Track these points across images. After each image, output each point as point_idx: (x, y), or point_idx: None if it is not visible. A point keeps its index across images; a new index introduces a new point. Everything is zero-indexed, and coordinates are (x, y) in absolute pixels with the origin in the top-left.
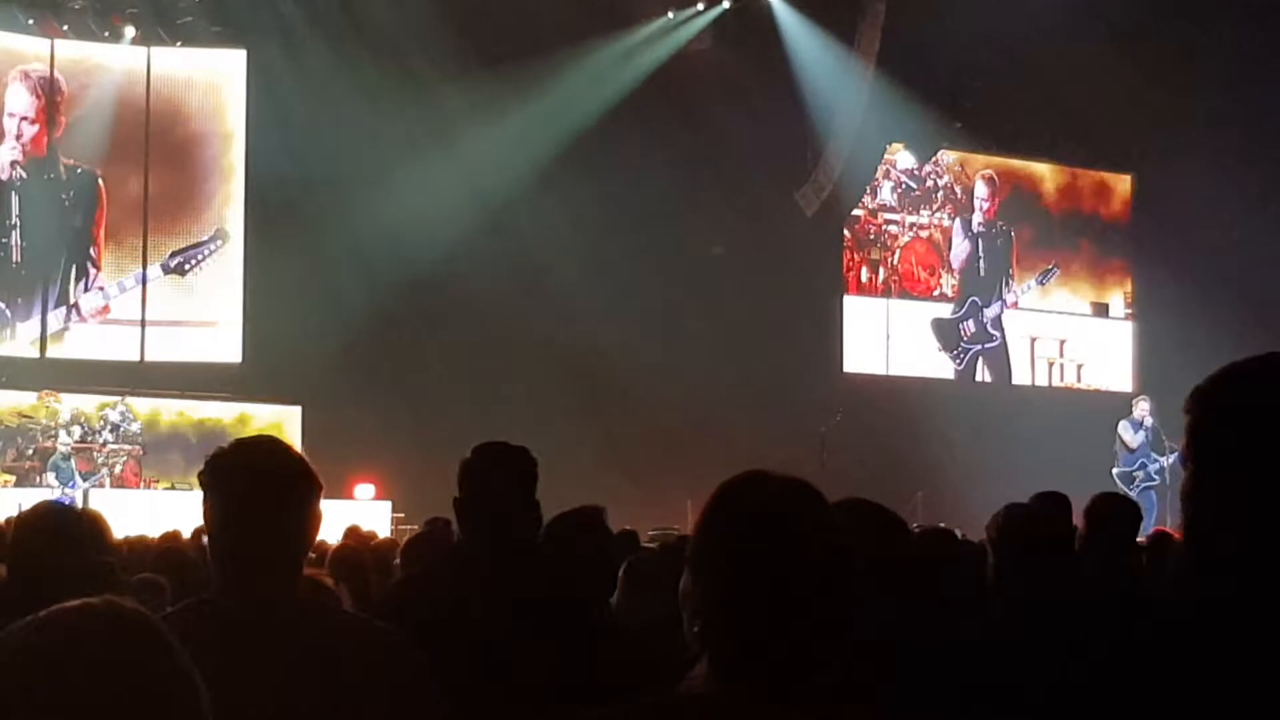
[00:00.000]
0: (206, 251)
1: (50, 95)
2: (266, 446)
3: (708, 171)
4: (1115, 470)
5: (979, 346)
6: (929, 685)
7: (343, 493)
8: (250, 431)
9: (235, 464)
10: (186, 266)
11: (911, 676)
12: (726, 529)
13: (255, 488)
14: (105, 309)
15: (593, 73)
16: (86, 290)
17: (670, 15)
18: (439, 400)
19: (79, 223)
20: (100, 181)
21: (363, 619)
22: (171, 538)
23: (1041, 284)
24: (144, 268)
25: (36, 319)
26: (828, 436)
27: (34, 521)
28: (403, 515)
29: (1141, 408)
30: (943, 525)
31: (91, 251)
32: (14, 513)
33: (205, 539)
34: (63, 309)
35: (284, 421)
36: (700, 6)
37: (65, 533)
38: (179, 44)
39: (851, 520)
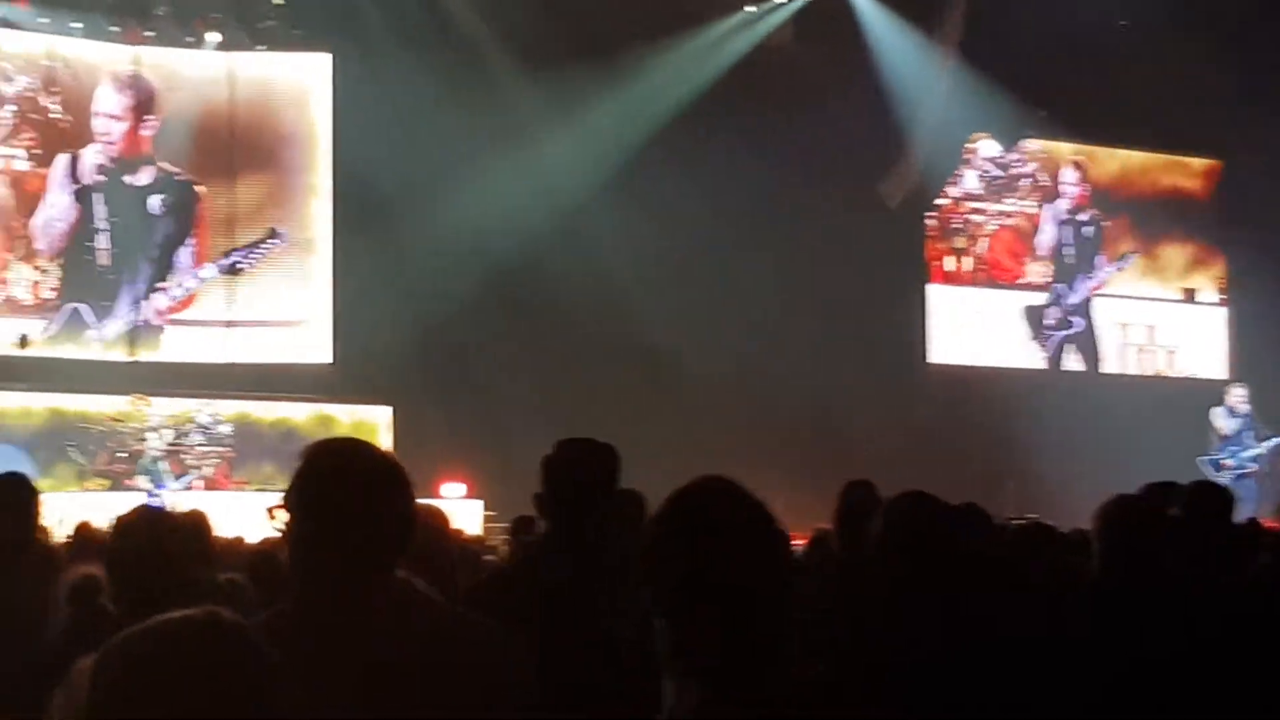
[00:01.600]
0: (262, 251)
1: (139, 97)
2: (352, 447)
3: (789, 165)
4: (1204, 458)
5: (1063, 333)
6: (1022, 679)
7: (433, 492)
8: (341, 432)
9: (321, 464)
10: (240, 265)
11: (1003, 670)
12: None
13: (342, 488)
14: (171, 309)
15: (672, 69)
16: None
17: (750, 9)
18: (528, 399)
19: (171, 228)
20: (198, 188)
21: (460, 613)
22: (271, 542)
23: (1120, 269)
24: (232, 289)
25: (118, 320)
26: (914, 428)
27: (134, 528)
28: (494, 514)
29: (1236, 394)
30: (1034, 516)
31: (190, 256)
32: (111, 517)
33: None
34: (139, 309)
35: (374, 422)
36: (779, 0)
37: (164, 543)
38: (262, 48)
39: (923, 513)
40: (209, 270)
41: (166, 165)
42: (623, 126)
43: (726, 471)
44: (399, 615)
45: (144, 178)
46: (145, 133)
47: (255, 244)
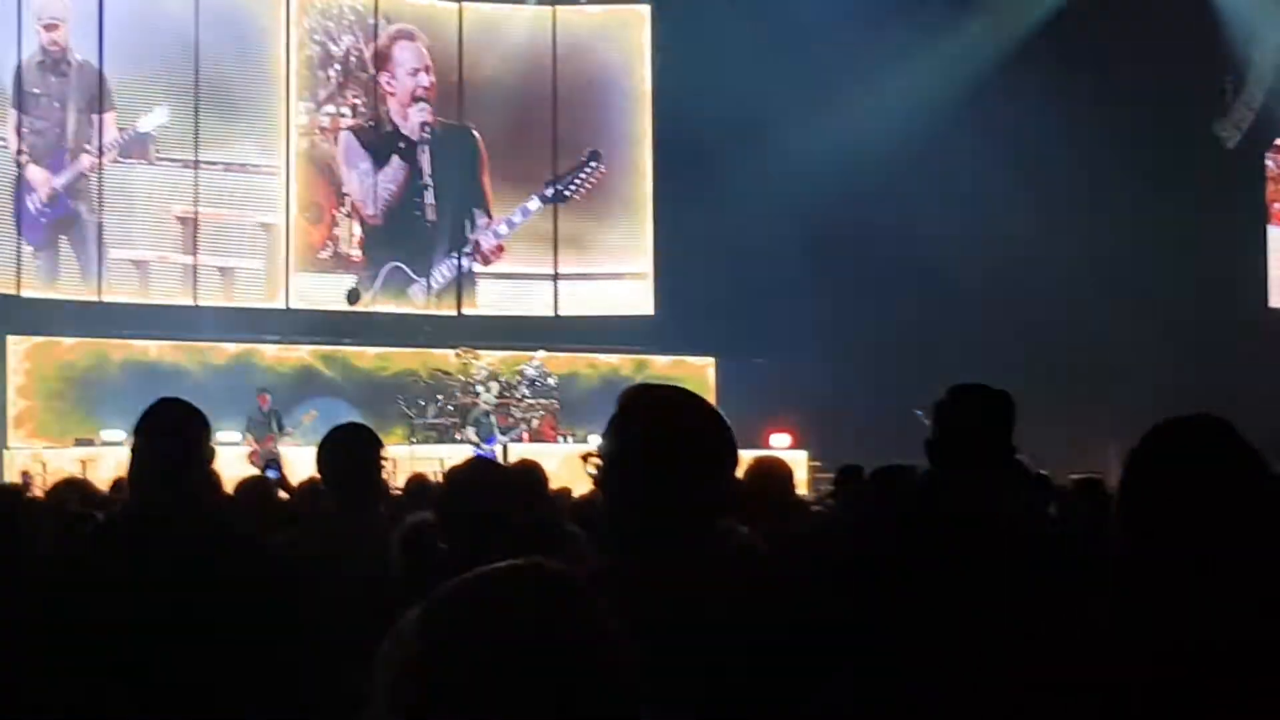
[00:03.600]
0: (583, 174)
1: (445, 55)
2: (670, 394)
3: (1123, 105)
4: None
5: None
6: None
7: (759, 442)
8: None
9: (637, 410)
10: (566, 192)
11: None
12: None
13: (658, 433)
14: (499, 248)
15: (1007, 7)
16: (476, 234)
17: None
18: (851, 348)
19: (470, 175)
20: (476, 134)
21: (781, 560)
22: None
23: None
24: (555, 223)
25: (439, 271)
26: (1255, 372)
27: (467, 477)
28: (819, 464)
29: None
30: None
31: (482, 201)
32: (440, 469)
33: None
34: (465, 259)
35: (697, 373)
36: None
37: (497, 490)
38: (584, 1)
39: None
40: (534, 202)
41: (454, 119)
42: (949, 70)
43: (1057, 417)
44: (718, 567)
45: (449, 131)
46: (453, 90)
47: (575, 169)
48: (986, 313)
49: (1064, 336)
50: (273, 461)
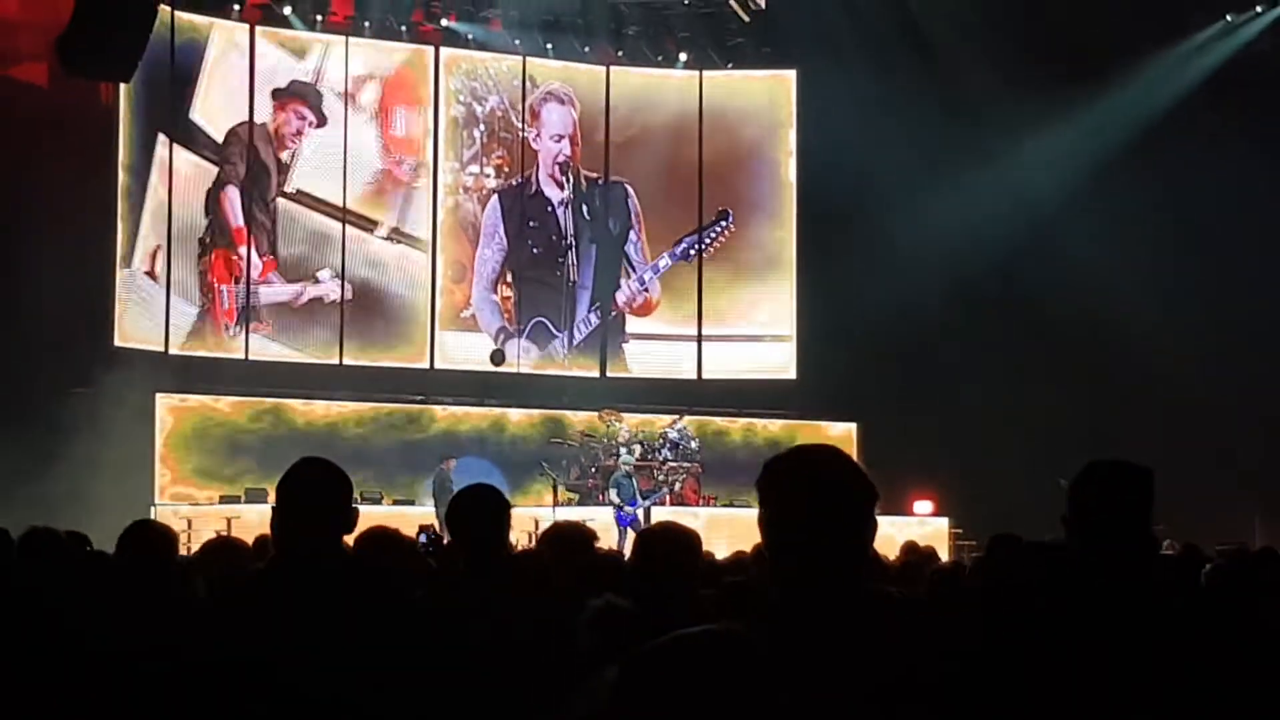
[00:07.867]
0: (714, 233)
1: (592, 116)
2: (827, 455)
3: (1270, 174)
4: None
5: None
6: None
7: (901, 509)
8: None
9: (793, 471)
10: (692, 251)
11: None
12: None
13: (814, 494)
14: (629, 303)
15: (1149, 79)
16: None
17: (1228, 18)
18: (996, 415)
19: (615, 230)
20: (629, 188)
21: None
22: (738, 557)
23: None
24: (699, 285)
25: (580, 326)
26: None
27: (661, 538)
28: (960, 531)
29: None
30: None
31: (632, 254)
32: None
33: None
34: (599, 312)
35: (841, 438)
36: (1259, 9)
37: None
38: (730, 66)
39: None
40: (665, 260)
41: (598, 173)
42: (1092, 140)
43: (1201, 488)
44: (869, 622)
45: (591, 188)
46: (596, 150)
47: (706, 227)
48: (1130, 383)
49: (1207, 408)
50: (428, 529)
